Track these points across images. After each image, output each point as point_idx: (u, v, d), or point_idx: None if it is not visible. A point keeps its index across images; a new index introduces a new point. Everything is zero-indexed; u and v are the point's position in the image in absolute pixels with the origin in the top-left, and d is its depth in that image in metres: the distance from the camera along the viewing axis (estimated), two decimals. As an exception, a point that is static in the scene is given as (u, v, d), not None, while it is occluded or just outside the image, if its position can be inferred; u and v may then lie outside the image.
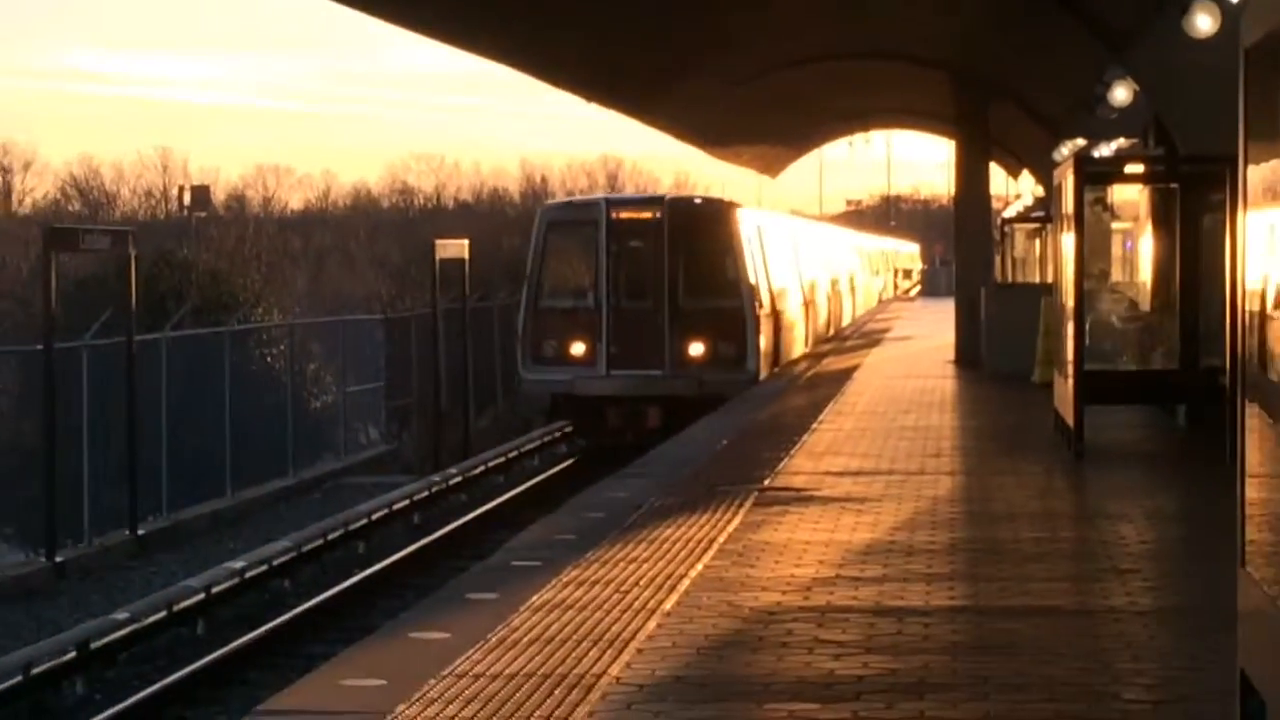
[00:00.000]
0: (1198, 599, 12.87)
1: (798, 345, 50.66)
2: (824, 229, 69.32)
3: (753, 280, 41.11)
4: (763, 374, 41.96)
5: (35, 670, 20.57)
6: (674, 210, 41.48)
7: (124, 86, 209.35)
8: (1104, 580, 15.04)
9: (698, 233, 42.20)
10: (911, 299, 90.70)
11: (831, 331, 61.52)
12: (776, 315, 44.47)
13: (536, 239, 41.96)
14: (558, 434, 47.86)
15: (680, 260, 41.19)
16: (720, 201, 43.90)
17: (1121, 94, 28.69)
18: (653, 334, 39.55)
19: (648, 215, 41.61)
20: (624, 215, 41.48)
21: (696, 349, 40.23)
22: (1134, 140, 33.25)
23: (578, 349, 40.12)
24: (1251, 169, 8.54)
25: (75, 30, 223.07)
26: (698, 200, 43.53)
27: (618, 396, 39.76)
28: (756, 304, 40.75)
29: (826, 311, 65.07)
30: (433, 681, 11.38)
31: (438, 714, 10.71)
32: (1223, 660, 9.41)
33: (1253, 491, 8.49)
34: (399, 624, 14.02)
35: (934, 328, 49.47)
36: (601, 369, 39.90)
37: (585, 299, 41.14)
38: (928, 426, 26.96)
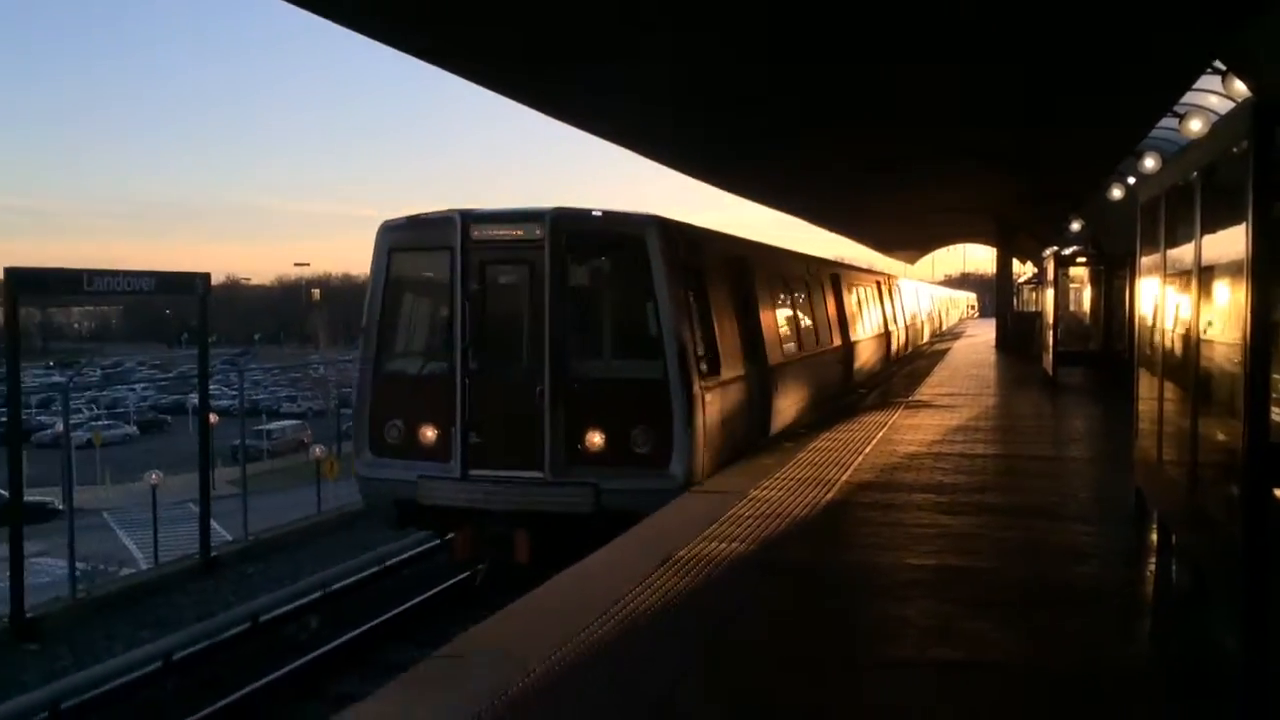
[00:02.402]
0: (1114, 453, 12.33)
1: (812, 404, 17.27)
2: (936, 288, 63.14)
3: (688, 335, 11.59)
4: (703, 473, 11.68)
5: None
6: (561, 229, 11.58)
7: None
8: (1067, 444, 14.84)
9: (599, 263, 12.11)
10: (975, 319, 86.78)
11: (942, 330, 55.74)
12: (756, 378, 13.81)
13: (376, 270, 12.46)
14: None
15: (573, 304, 11.78)
16: (635, 217, 11.78)
17: (1076, 225, 27.67)
18: (528, 415, 11.47)
19: (522, 235, 11.64)
20: (489, 235, 11.73)
21: (595, 439, 11.40)
22: (1082, 246, 31.56)
23: (428, 435, 11.98)
24: (1141, 260, 8.20)
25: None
26: (596, 215, 11.63)
27: (476, 510, 11.64)
28: (693, 369, 11.55)
29: (938, 322, 54.29)
30: (765, 480, 11.53)
31: (766, 493, 10.77)
32: (1125, 480, 9.14)
33: (1140, 406, 8.17)
34: (755, 454, 13.29)
35: (985, 331, 47.55)
36: (455, 467, 11.72)
37: (439, 361, 12.13)
38: (982, 375, 26.01)
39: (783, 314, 16.52)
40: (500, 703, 5.39)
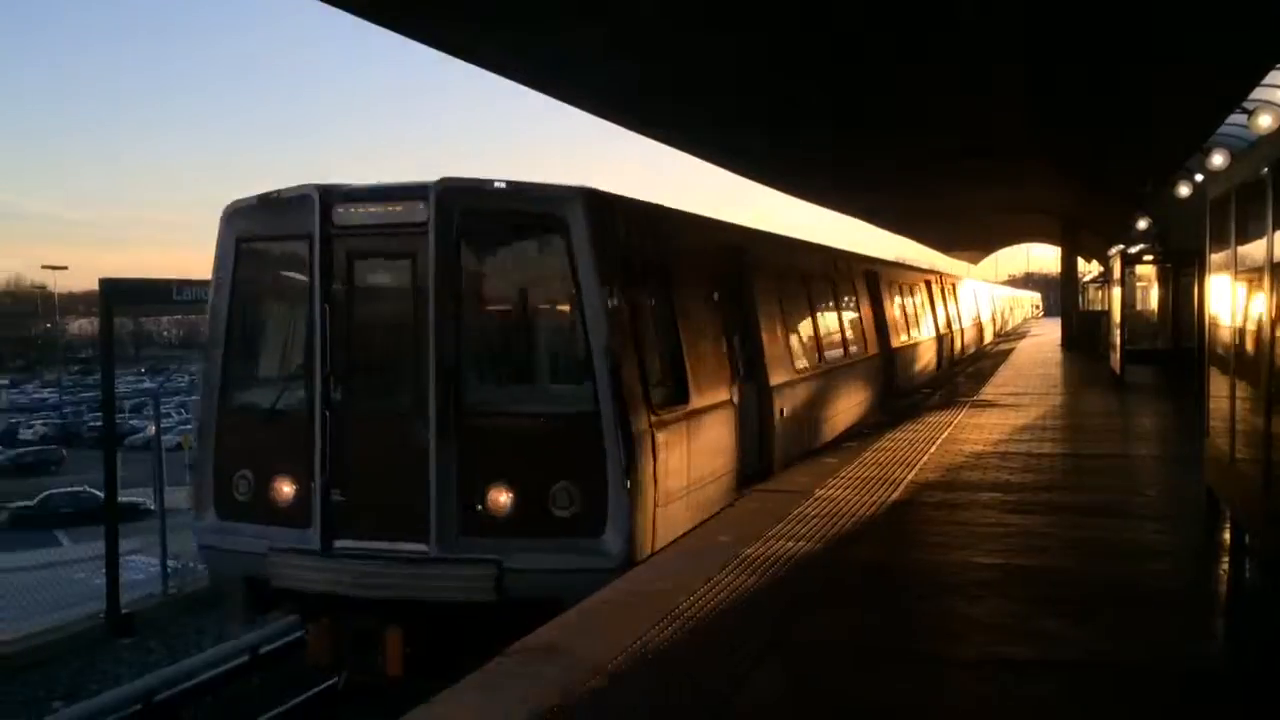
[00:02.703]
0: (1183, 451, 12.00)
1: (836, 426, 14.22)
2: (999, 288, 60.47)
3: (630, 350, 7.69)
4: (651, 547, 7.82)
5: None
6: (451, 207, 7.63)
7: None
8: (1135, 442, 14.63)
9: (506, 253, 8.08)
10: (1039, 318, 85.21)
11: (1007, 330, 54.35)
12: (750, 403, 10.57)
13: (220, 269, 8.49)
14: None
15: (470, 311, 7.79)
16: (554, 190, 7.63)
17: (1143, 223, 27.13)
18: (409, 465, 7.46)
19: (401, 217, 7.73)
20: (358, 219, 7.66)
21: (500, 498, 7.35)
22: (1148, 244, 30.82)
23: (283, 491, 7.86)
24: (1211, 257, 8.01)
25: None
26: (500, 186, 7.44)
27: (339, 597, 7.55)
28: (639, 398, 7.71)
29: (1001, 322, 52.29)
30: (830, 479, 11.52)
31: (832, 491, 10.76)
32: (1195, 479, 8.87)
33: (1211, 405, 7.98)
34: (818, 455, 13.28)
35: (1050, 331, 46.62)
36: (314, 537, 7.63)
37: (297, 391, 7.94)
38: (1047, 374, 25.63)
39: (795, 320, 13.19)
40: (573, 700, 5.36)
